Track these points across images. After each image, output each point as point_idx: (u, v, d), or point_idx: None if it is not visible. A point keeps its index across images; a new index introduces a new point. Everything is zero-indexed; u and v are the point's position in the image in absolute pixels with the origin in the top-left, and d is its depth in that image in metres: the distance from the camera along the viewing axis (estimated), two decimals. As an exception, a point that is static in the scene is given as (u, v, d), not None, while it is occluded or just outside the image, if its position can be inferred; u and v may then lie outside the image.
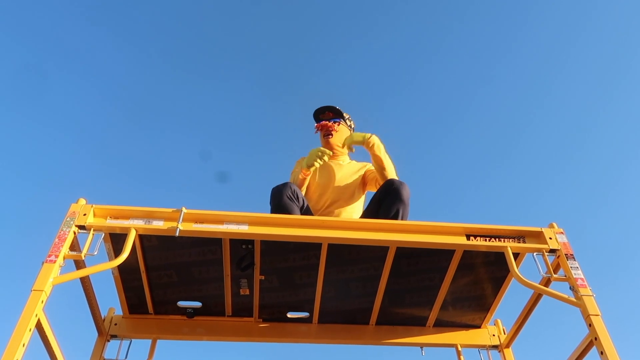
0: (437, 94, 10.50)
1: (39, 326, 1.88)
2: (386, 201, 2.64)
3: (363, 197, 3.08)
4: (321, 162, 2.78)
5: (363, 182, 3.06)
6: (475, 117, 10.27)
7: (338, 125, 3.11)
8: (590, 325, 2.00)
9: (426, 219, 2.30)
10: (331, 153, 2.83)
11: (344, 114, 3.17)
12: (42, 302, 1.86)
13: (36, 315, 1.82)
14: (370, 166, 3.08)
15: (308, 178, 2.88)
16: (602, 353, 1.93)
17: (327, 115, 3.16)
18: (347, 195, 2.94)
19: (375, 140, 2.84)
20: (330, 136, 3.07)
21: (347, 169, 3.06)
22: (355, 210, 2.97)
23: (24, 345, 1.74)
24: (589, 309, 2.02)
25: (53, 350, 2.02)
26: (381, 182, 2.81)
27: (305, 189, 2.97)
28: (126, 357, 2.62)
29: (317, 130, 3.13)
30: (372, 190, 3.06)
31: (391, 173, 2.85)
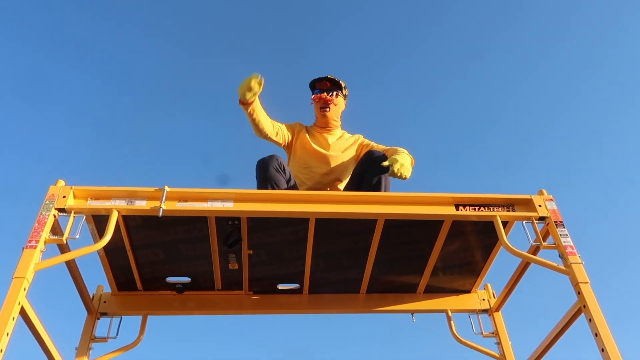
0: (425, 63, 10.29)
1: (23, 313, 1.84)
2: (368, 173, 2.59)
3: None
4: (256, 89, 2.49)
5: (357, 158, 2.99)
6: (462, 85, 10.12)
7: (336, 97, 2.99)
8: (579, 293, 2.01)
9: (414, 189, 2.27)
10: (259, 77, 2.49)
11: (342, 84, 3.03)
12: (25, 289, 1.82)
13: (19, 303, 1.78)
14: (363, 139, 3.01)
15: (256, 112, 2.63)
16: (590, 320, 1.94)
17: (324, 84, 3.01)
18: (340, 169, 2.88)
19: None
20: (327, 109, 2.95)
21: (341, 144, 2.97)
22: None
23: (7, 334, 1.71)
24: (578, 276, 2.02)
25: (41, 336, 1.99)
26: None
27: (285, 143, 2.91)
28: (117, 334, 2.62)
29: (314, 101, 3.00)
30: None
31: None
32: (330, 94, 2.97)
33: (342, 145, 2.95)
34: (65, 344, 2.47)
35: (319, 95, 2.97)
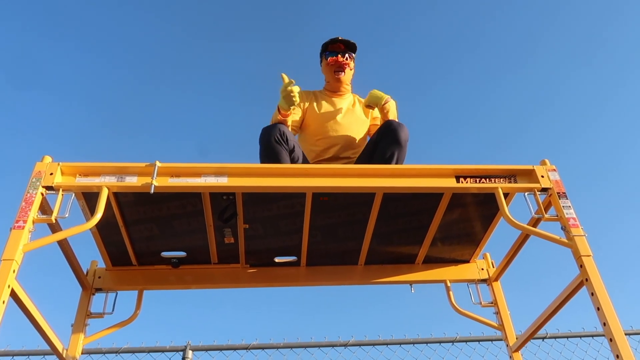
0: (428, 30, 9.98)
1: (14, 296, 1.80)
2: (382, 143, 2.52)
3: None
4: (297, 100, 2.52)
5: (369, 132, 2.93)
6: (465, 56, 9.84)
7: (351, 60, 2.88)
8: (581, 266, 1.97)
9: (414, 161, 2.21)
10: (295, 84, 2.49)
11: (355, 46, 2.89)
12: (14, 271, 1.76)
13: (9, 286, 1.73)
14: (375, 115, 2.92)
15: (291, 117, 2.67)
16: (592, 294, 1.91)
17: (338, 47, 2.87)
18: (353, 136, 2.81)
19: (391, 106, 2.69)
20: (342, 73, 2.85)
21: (355, 115, 2.87)
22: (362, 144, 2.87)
23: (-1, 319, 1.67)
24: (581, 249, 1.98)
25: (34, 317, 1.95)
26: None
27: (299, 127, 2.85)
28: (113, 310, 2.59)
29: (329, 64, 2.86)
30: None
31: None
32: (345, 56, 2.86)
33: (356, 119, 2.86)
34: (61, 321, 2.45)
35: (334, 58, 2.84)
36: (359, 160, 2.68)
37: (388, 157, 2.49)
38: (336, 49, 2.87)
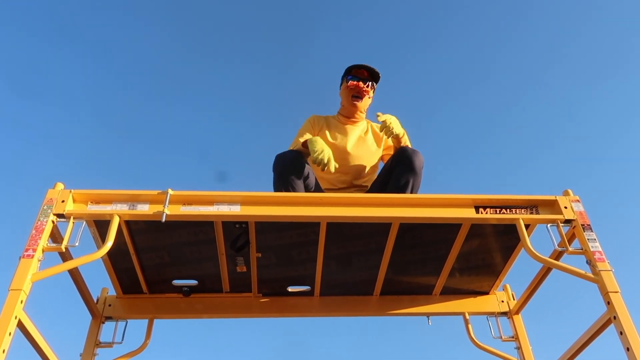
0: (440, 58, 9.99)
1: (21, 327, 1.76)
2: (396, 170, 2.46)
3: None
4: (330, 169, 2.40)
5: (382, 159, 2.88)
6: (486, 77, 9.78)
7: (371, 89, 2.83)
8: (608, 303, 1.87)
9: (432, 190, 2.14)
10: (333, 163, 2.42)
11: (379, 76, 2.84)
12: (22, 302, 1.73)
13: (16, 317, 1.69)
14: (389, 145, 2.84)
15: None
16: (621, 333, 1.81)
17: (362, 73, 2.82)
18: (364, 165, 2.75)
19: (406, 137, 2.64)
20: (360, 100, 2.79)
21: (367, 144, 2.81)
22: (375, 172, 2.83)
23: (4, 351, 1.62)
24: (608, 285, 1.89)
25: (41, 349, 1.90)
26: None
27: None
28: (122, 339, 2.54)
29: (347, 88, 2.80)
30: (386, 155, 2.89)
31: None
32: (367, 84, 2.81)
33: (366, 140, 2.81)
34: (69, 350, 2.40)
35: (355, 82, 2.78)
36: (373, 188, 2.62)
37: (403, 184, 2.42)
38: (359, 74, 2.82)
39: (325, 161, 2.37)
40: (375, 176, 2.76)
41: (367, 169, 2.75)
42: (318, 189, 2.58)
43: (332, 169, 2.39)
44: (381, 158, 2.86)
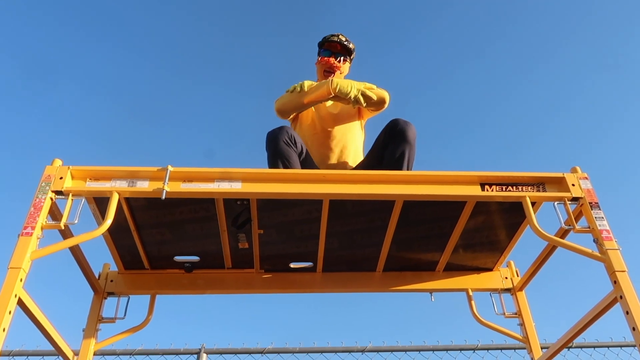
0: (443, 34, 9.76)
1: (21, 304, 1.75)
2: (391, 145, 2.45)
3: (364, 128, 2.95)
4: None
5: (359, 113, 2.89)
6: (490, 53, 9.56)
7: (343, 63, 2.84)
8: (615, 282, 1.85)
9: (437, 168, 2.10)
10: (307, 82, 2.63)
11: (352, 49, 2.87)
12: (21, 280, 1.71)
13: (16, 295, 1.68)
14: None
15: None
16: (627, 313, 1.79)
17: (334, 46, 2.84)
18: (343, 136, 2.77)
19: (360, 97, 2.58)
20: (332, 75, 2.81)
21: (341, 108, 2.86)
22: (358, 149, 2.83)
23: (4, 330, 1.61)
24: (615, 264, 1.86)
25: (43, 326, 1.90)
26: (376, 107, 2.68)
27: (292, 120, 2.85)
28: (125, 315, 2.54)
29: (320, 62, 2.86)
30: (369, 116, 2.91)
31: (382, 94, 2.66)
32: (338, 58, 2.81)
33: (342, 110, 2.84)
34: (72, 326, 2.41)
35: (326, 58, 2.82)
36: (369, 163, 2.59)
37: (398, 157, 2.43)
38: (332, 48, 2.84)
39: (299, 84, 2.56)
40: (360, 143, 2.82)
41: (350, 140, 2.78)
42: (313, 164, 2.60)
43: (306, 87, 2.58)
44: (359, 116, 2.89)
